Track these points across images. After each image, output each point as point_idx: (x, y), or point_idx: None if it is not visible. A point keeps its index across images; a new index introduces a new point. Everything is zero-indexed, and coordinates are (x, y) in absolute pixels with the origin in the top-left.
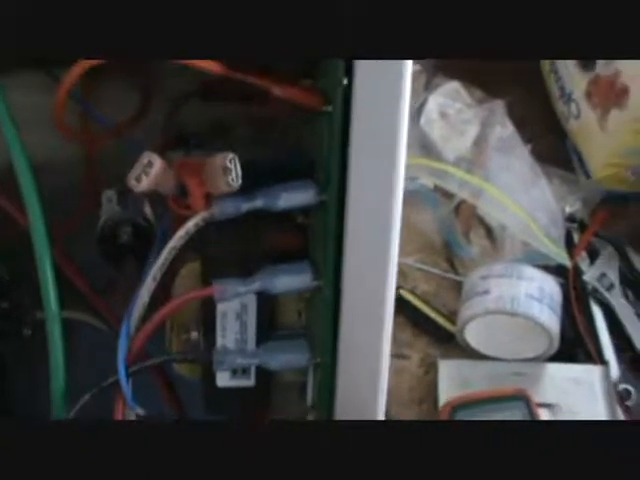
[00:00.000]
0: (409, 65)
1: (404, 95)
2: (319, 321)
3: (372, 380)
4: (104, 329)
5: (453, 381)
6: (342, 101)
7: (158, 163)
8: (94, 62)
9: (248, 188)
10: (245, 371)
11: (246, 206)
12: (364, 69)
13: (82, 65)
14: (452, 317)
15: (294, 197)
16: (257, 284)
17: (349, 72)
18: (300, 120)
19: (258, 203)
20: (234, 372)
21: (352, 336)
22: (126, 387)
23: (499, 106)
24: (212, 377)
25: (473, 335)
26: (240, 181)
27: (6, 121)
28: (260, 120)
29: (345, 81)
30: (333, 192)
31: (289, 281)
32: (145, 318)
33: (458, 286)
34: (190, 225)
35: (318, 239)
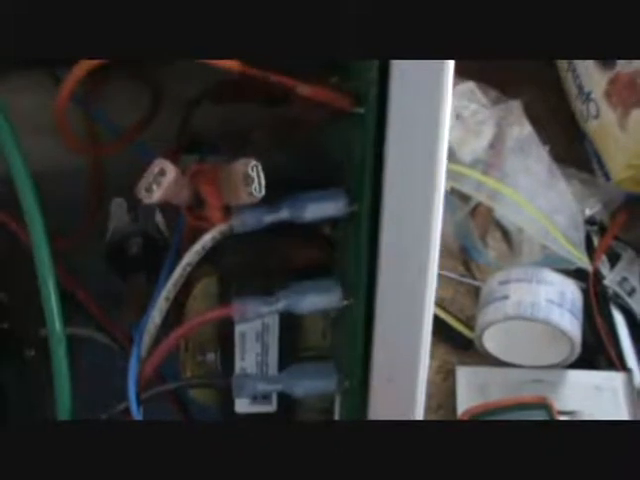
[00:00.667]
0: (451, 61)
1: (446, 94)
2: (348, 343)
3: (408, 409)
4: (111, 346)
5: (471, 388)
6: (376, 102)
7: (171, 171)
8: (98, 62)
9: (268, 198)
10: (266, 396)
11: (269, 218)
12: (400, 66)
13: (85, 65)
14: (470, 323)
15: (322, 208)
16: (281, 304)
17: (383, 69)
18: (324, 123)
19: (283, 214)
20: (254, 397)
21: (386, 360)
22: (137, 414)
23: (516, 106)
24: (230, 402)
25: (492, 341)
26: (263, 191)
27: (3, 126)
28: (279, 124)
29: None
30: (366, 202)
31: (316, 300)
32: (157, 339)
33: (475, 291)
34: (207, 239)
35: (348, 254)
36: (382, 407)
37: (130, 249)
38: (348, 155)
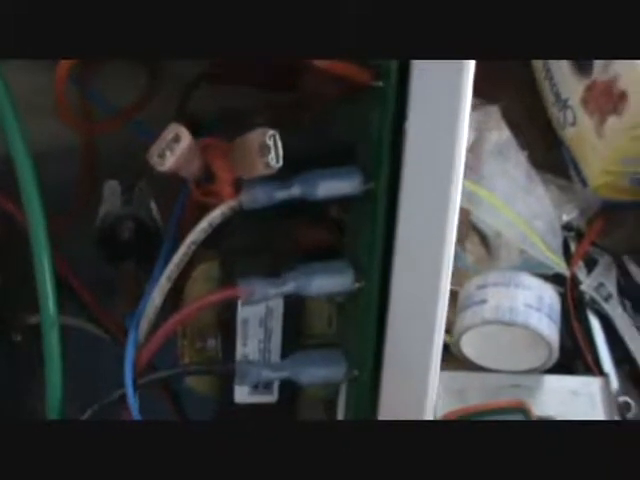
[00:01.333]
0: None
1: (468, 68)
2: (358, 329)
3: (420, 398)
4: (101, 336)
5: (449, 393)
6: (397, 76)
7: (186, 138)
8: None
9: (278, 177)
10: (267, 386)
11: (280, 194)
12: None
13: None
14: (447, 327)
15: (336, 186)
16: (290, 285)
17: None
18: (336, 102)
19: (294, 191)
20: (255, 386)
21: (399, 346)
22: (133, 401)
23: (494, 111)
24: (229, 392)
25: (469, 346)
26: (281, 162)
27: (6, 106)
28: (282, 109)
29: None
30: (383, 180)
31: (327, 282)
32: (154, 324)
33: (452, 296)
34: (215, 215)
35: (361, 235)
36: (393, 397)
37: (122, 234)
38: (364, 132)
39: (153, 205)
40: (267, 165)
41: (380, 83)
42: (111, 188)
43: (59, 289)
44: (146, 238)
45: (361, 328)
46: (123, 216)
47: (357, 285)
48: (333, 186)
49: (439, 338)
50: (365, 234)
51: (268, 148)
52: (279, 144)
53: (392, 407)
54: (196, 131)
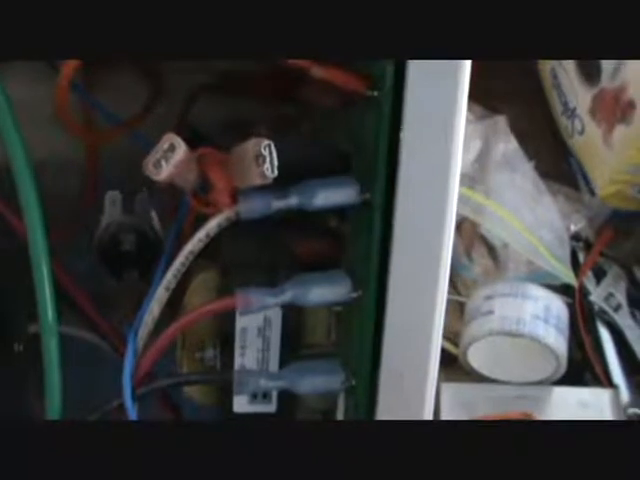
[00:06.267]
0: None
1: (464, 76)
2: (355, 339)
3: (417, 407)
4: (101, 346)
5: (456, 405)
6: (392, 85)
7: (181, 148)
8: None
9: (276, 187)
10: (266, 395)
11: (277, 204)
12: None
13: None
14: (454, 339)
15: (333, 195)
16: (288, 295)
17: None
18: (334, 112)
19: (292, 201)
20: (254, 396)
21: (396, 356)
22: (132, 411)
23: (501, 121)
24: (227, 402)
25: (477, 357)
26: (276, 172)
27: (5, 115)
28: (283, 120)
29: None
30: (379, 190)
31: (324, 292)
32: (153, 334)
33: (460, 307)
34: (212, 225)
35: (358, 244)
36: (391, 405)
37: (123, 245)
38: (361, 142)
39: (154, 215)
40: (262, 175)
41: (375, 92)
42: (112, 199)
43: (60, 299)
44: (147, 248)
45: (358, 337)
46: (124, 227)
47: (354, 295)
48: (330, 196)
49: (436, 347)
50: (362, 244)
51: (263, 158)
52: (274, 154)
53: (389, 417)
54: (197, 142)
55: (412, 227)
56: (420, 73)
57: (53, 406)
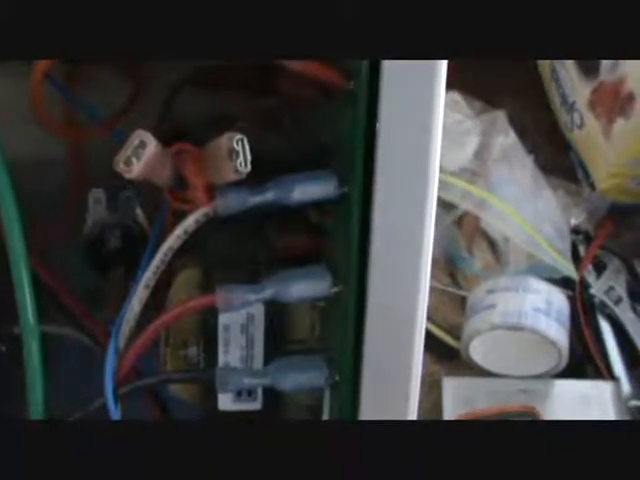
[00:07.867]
0: None
1: (440, 68)
2: (338, 334)
3: (401, 402)
4: (89, 345)
5: (458, 399)
6: (368, 77)
7: (152, 143)
8: None
9: (255, 181)
10: (251, 393)
11: (254, 200)
12: None
13: None
14: (455, 333)
15: (311, 189)
16: (268, 291)
17: None
18: (313, 106)
19: (269, 196)
20: (239, 394)
21: (378, 350)
22: (114, 411)
23: (500, 116)
24: (212, 399)
25: (478, 351)
26: (249, 167)
27: None
28: (265, 108)
29: None
30: (357, 184)
31: (305, 287)
32: (136, 332)
33: (461, 301)
34: (189, 222)
35: (337, 239)
36: (374, 401)
37: (108, 242)
38: (338, 135)
39: (139, 212)
40: (236, 170)
41: (351, 84)
42: (96, 196)
43: (47, 298)
44: (133, 245)
45: (340, 332)
46: (110, 224)
47: (335, 290)
48: (308, 190)
49: (419, 341)
50: (341, 238)
51: (236, 153)
52: (247, 148)
53: (374, 411)
54: (180, 137)
55: (391, 220)
56: (396, 65)
57: (36, 406)
